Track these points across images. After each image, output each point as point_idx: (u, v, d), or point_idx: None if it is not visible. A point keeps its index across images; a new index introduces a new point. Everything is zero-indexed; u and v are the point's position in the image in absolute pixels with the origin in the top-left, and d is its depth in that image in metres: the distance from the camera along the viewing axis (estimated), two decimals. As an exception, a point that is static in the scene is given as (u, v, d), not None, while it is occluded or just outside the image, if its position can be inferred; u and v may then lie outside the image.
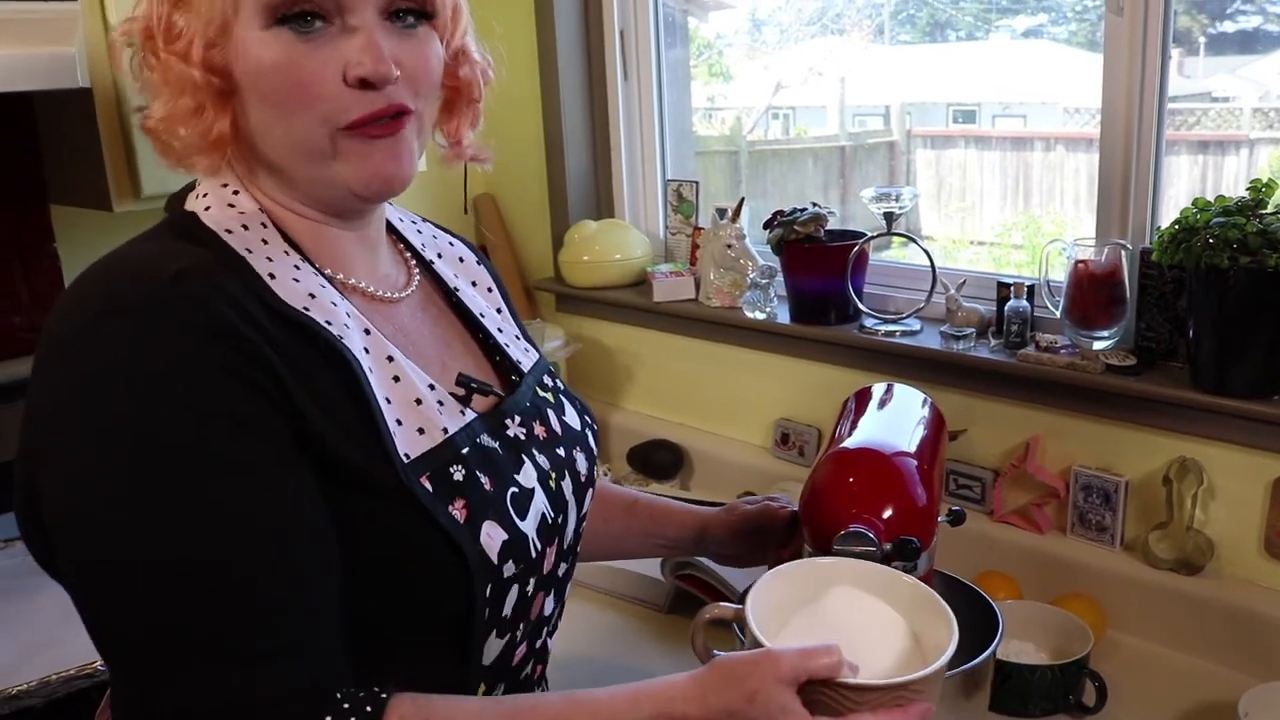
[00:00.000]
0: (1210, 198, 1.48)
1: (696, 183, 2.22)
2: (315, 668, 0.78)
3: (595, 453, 1.08)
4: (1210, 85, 2.51)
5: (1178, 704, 1.41)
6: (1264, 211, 1.44)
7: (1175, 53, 1.62)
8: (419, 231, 1.10)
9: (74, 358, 0.78)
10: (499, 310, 1.11)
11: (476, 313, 1.05)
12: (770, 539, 1.24)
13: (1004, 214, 4.15)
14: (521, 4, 2.29)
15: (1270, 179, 1.46)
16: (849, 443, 1.18)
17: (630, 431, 2.19)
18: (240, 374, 0.77)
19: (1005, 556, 1.65)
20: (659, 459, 2.10)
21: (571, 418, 1.07)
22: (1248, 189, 1.46)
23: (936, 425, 1.29)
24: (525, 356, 1.07)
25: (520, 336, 1.10)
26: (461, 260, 1.12)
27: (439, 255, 1.09)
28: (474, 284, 1.11)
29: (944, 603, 0.91)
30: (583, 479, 1.03)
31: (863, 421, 1.26)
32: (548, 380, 1.09)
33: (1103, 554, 1.61)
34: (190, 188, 0.93)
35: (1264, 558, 1.51)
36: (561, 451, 1.01)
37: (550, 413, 1.04)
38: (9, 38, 1.54)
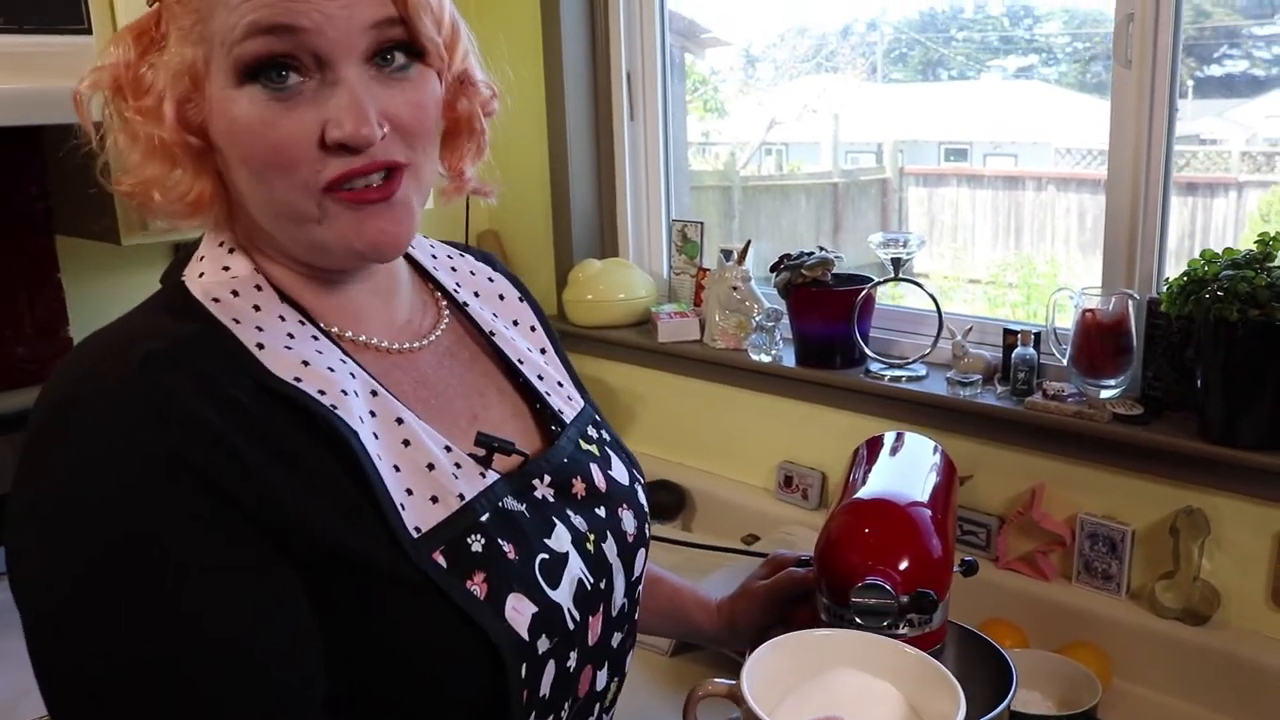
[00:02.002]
0: (1200, 239, 1.49)
1: (701, 223, 2.23)
2: None
3: (646, 509, 0.99)
4: (1198, 128, 2.53)
5: (1186, 756, 1.41)
6: (1272, 265, 1.45)
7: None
8: (454, 269, 1.01)
9: (35, 448, 0.74)
10: (544, 350, 1.03)
11: (514, 358, 0.96)
12: (791, 602, 1.19)
13: (996, 252, 4.16)
14: (529, 44, 2.30)
15: (1278, 233, 1.47)
16: (863, 493, 1.18)
17: (632, 471, 2.19)
18: (198, 468, 0.71)
19: (1010, 604, 1.65)
20: (662, 500, 2.09)
21: (619, 472, 0.98)
22: (1255, 242, 1.48)
23: (948, 474, 1.29)
24: (568, 405, 0.98)
25: (565, 382, 1.02)
26: (502, 298, 1.03)
27: (475, 294, 1.00)
28: (515, 323, 1.02)
29: (948, 673, 0.89)
30: (630, 538, 0.94)
31: (875, 470, 1.26)
32: (592, 431, 0.99)
33: (1108, 602, 1.61)
34: (195, 247, 0.87)
35: (1271, 609, 1.51)
36: (602, 510, 0.92)
37: (594, 467, 0.94)
38: (23, 71, 1.54)
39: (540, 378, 0.98)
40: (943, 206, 4.40)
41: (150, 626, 0.69)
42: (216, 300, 0.80)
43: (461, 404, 0.90)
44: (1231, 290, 1.42)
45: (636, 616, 0.99)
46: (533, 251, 2.44)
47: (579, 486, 0.93)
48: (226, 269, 0.82)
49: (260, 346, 0.78)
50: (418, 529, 0.78)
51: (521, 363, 0.97)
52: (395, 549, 0.76)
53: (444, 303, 0.97)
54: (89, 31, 1.58)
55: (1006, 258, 4.06)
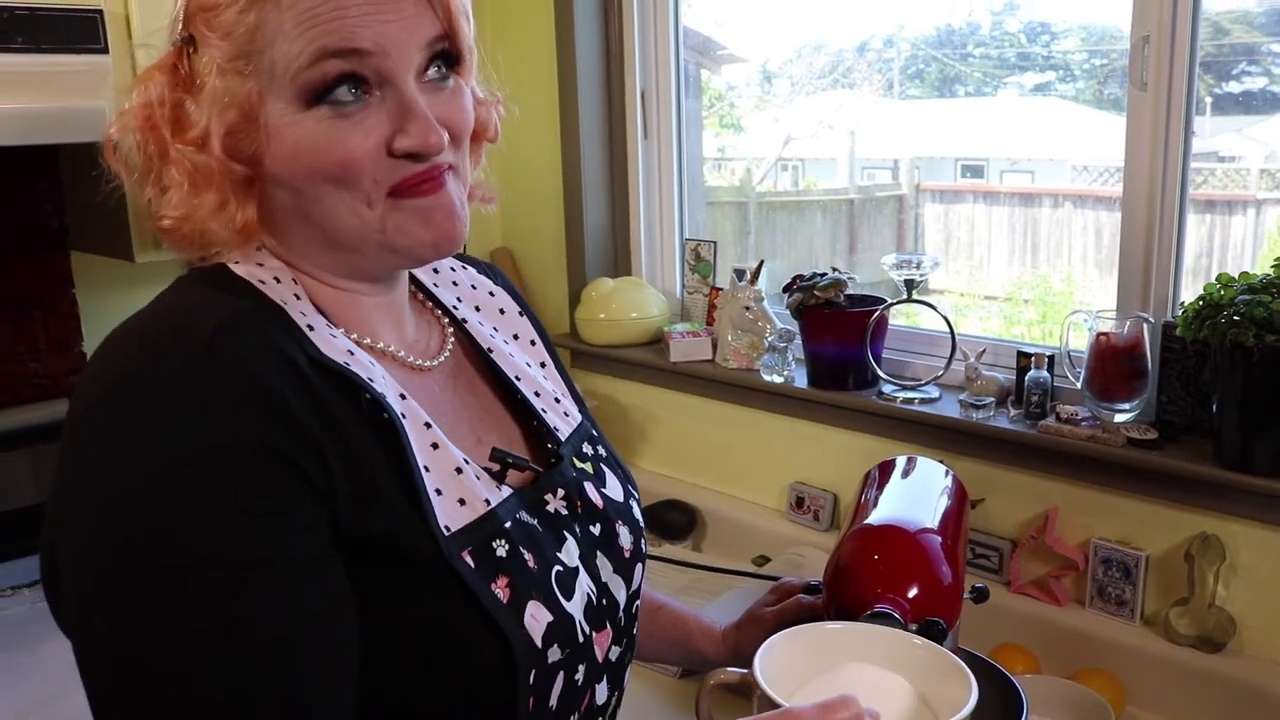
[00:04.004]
0: (1218, 256, 1.48)
1: (714, 243, 2.23)
2: None
3: (641, 525, 1.01)
4: (1217, 145, 2.52)
5: (1200, 786, 1.39)
6: (1288, 289, 1.44)
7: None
8: (455, 284, 1.03)
9: (90, 433, 0.73)
10: (543, 364, 1.05)
11: (512, 375, 0.98)
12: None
13: (1012, 269, 4.15)
14: (544, 62, 2.31)
15: (1296, 258, 1.46)
16: (873, 519, 1.17)
17: (644, 491, 2.15)
18: (281, 453, 0.72)
19: (1022, 629, 1.64)
20: (672, 519, 2.08)
21: (613, 489, 1.00)
22: (1272, 266, 1.46)
23: (959, 498, 1.28)
24: (564, 422, 1.00)
25: (563, 398, 1.03)
26: (502, 312, 1.05)
27: (476, 308, 1.02)
28: (515, 337, 1.04)
29: (959, 660, 0.89)
30: (626, 554, 0.96)
31: (885, 495, 1.26)
32: (587, 448, 1.02)
33: (1122, 628, 1.60)
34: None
35: (1287, 637, 1.49)
36: (597, 528, 0.95)
37: (588, 485, 0.97)
38: (40, 90, 1.55)
39: (537, 394, 1.00)
40: (959, 223, 4.39)
41: (208, 615, 0.70)
42: (263, 283, 0.82)
43: (466, 426, 0.92)
44: (1248, 315, 1.41)
45: (635, 631, 1.00)
46: (546, 269, 2.44)
47: (576, 504, 0.95)
48: (261, 265, 0.84)
49: (310, 329, 0.81)
50: (447, 528, 0.80)
51: (519, 379, 0.99)
52: (431, 543, 0.78)
53: (445, 320, 0.99)
54: (105, 51, 1.59)
55: (1023, 275, 4.05)
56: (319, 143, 0.78)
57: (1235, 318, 1.42)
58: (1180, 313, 1.52)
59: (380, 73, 0.78)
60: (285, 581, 0.72)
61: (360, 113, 0.79)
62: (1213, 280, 1.49)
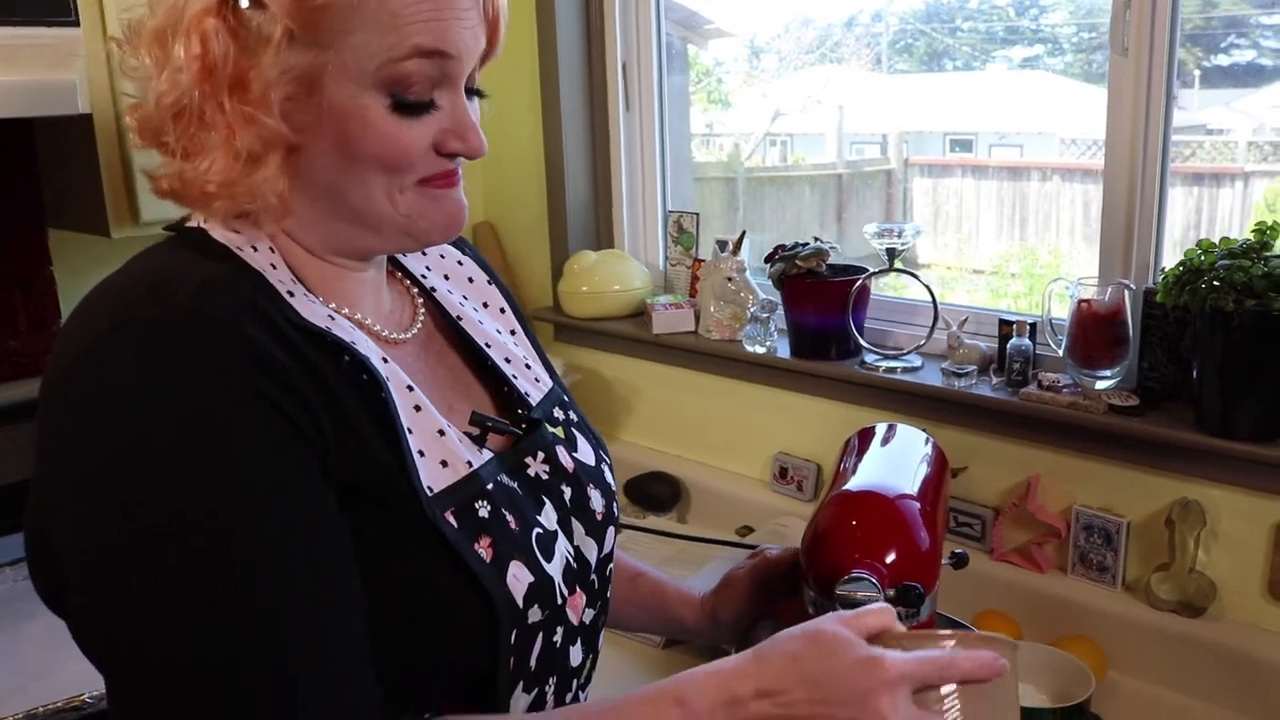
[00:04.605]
0: (1205, 229, 1.47)
1: (697, 214, 2.22)
2: (362, 713, 0.75)
3: (613, 488, 1.03)
4: (1205, 118, 2.51)
5: (1180, 750, 1.40)
6: (1269, 254, 1.44)
7: (1171, 84, 1.63)
8: (424, 254, 1.05)
9: (87, 387, 0.73)
10: (513, 332, 1.06)
11: (481, 342, 1.00)
12: (775, 592, 1.20)
13: (1000, 243, 4.15)
14: (524, 35, 2.29)
15: (1275, 221, 1.46)
16: (851, 485, 1.17)
17: (628, 464, 2.18)
18: (272, 400, 0.73)
19: (1004, 596, 1.64)
20: (656, 491, 2.08)
21: (585, 453, 1.02)
22: (1252, 231, 1.46)
23: (939, 466, 1.28)
24: (535, 388, 1.01)
25: (533, 363, 1.05)
26: (471, 280, 1.07)
27: (445, 277, 1.04)
28: (485, 305, 1.06)
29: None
30: (598, 516, 0.98)
31: (865, 462, 1.26)
32: (558, 413, 1.03)
33: (1104, 594, 1.60)
34: (186, 218, 0.89)
35: (1267, 601, 1.50)
36: (569, 491, 0.96)
37: (560, 449, 0.98)
38: (10, 63, 1.53)
39: (507, 360, 1.01)
40: (947, 197, 4.39)
41: (236, 546, 0.71)
42: (240, 249, 0.82)
43: (438, 395, 0.93)
44: (1228, 280, 1.41)
45: (608, 595, 1.01)
46: (528, 243, 2.43)
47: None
48: (238, 232, 0.84)
49: (290, 295, 0.81)
50: (430, 488, 0.81)
51: (489, 346, 1.00)
52: (415, 502, 0.80)
53: (415, 291, 1.00)
54: (76, 24, 1.57)
55: (1011, 248, 4.05)
56: (385, 130, 0.80)
57: (1215, 283, 1.42)
58: (1161, 279, 1.51)
59: (450, 76, 0.82)
60: (303, 512, 0.74)
61: (423, 111, 0.82)
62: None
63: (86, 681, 1.45)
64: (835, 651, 0.79)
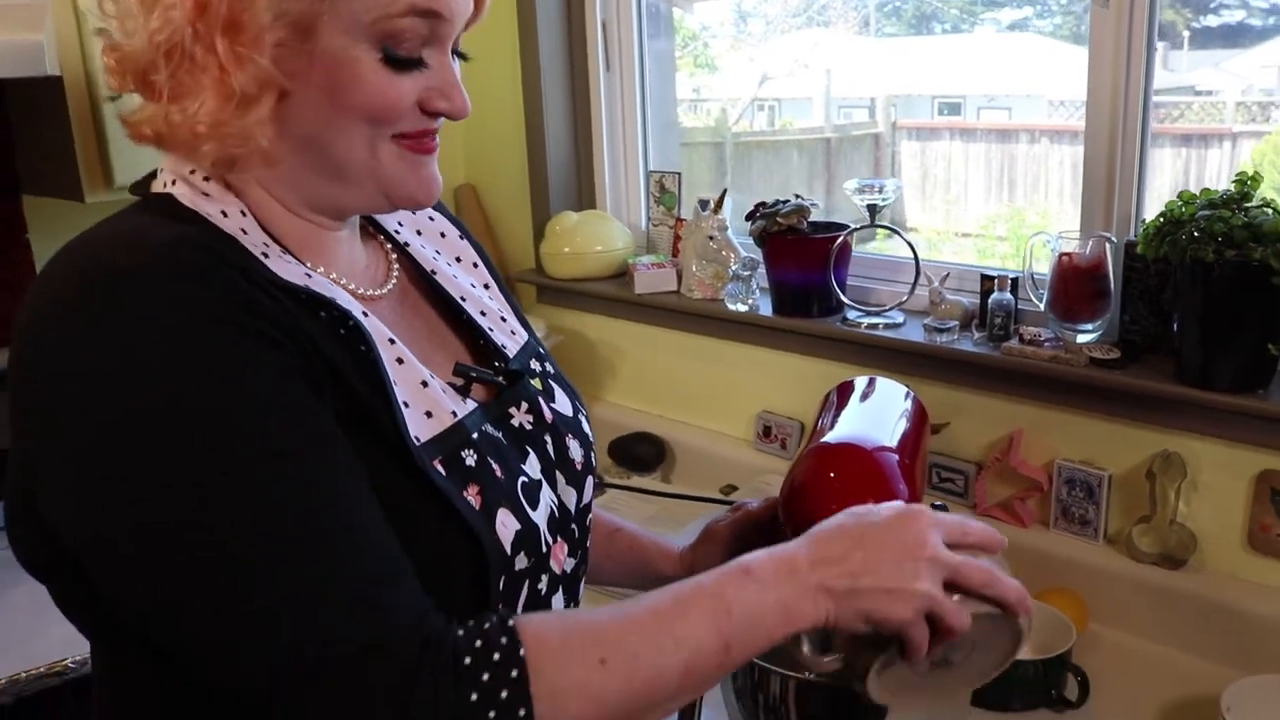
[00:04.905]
0: (1194, 191, 1.47)
1: (679, 174, 2.20)
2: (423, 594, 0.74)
3: (591, 439, 1.03)
4: (1194, 79, 2.50)
5: (1160, 698, 1.40)
6: (1249, 204, 1.43)
7: (1159, 46, 1.61)
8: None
9: (72, 331, 0.72)
10: (486, 286, 1.06)
11: (456, 296, 1.00)
12: (754, 545, 1.20)
13: (989, 206, 4.14)
14: (504, -4, 2.27)
15: (1255, 172, 1.45)
16: (830, 437, 1.17)
17: (612, 424, 2.17)
18: (259, 332, 0.73)
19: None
20: (640, 452, 2.08)
21: (562, 404, 1.02)
22: (1233, 181, 1.45)
23: (919, 419, 1.28)
24: (511, 340, 1.01)
25: (508, 317, 1.05)
26: (443, 235, 1.07)
27: (418, 232, 1.04)
28: (458, 259, 1.06)
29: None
30: (578, 466, 0.99)
31: (844, 415, 1.25)
32: (535, 365, 1.03)
33: (1086, 548, 1.61)
34: (152, 176, 0.88)
35: (1247, 552, 1.50)
36: (550, 440, 0.97)
37: (539, 400, 0.99)
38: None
39: (483, 313, 1.01)
40: (936, 160, 4.37)
41: (254, 468, 0.70)
42: (210, 215, 0.81)
43: (417, 349, 0.92)
44: (1208, 230, 1.40)
45: (588, 545, 1.02)
46: (509, 204, 2.41)
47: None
48: (207, 195, 0.83)
49: (266, 255, 0.80)
50: (418, 438, 0.81)
51: (464, 300, 1.00)
52: (403, 449, 0.79)
53: (389, 247, 0.99)
54: (44, -18, 1.55)
55: (999, 211, 4.03)
56: (375, 82, 0.80)
57: (1195, 234, 1.41)
58: (1141, 230, 1.51)
59: (439, 36, 0.83)
60: (315, 421, 0.74)
61: (412, 67, 0.82)
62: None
63: (69, 647, 1.44)
64: (873, 512, 0.85)
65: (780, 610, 0.79)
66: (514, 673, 0.71)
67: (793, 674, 1.06)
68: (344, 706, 0.68)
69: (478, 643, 0.72)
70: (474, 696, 0.70)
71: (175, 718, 0.84)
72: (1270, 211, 1.40)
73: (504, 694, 0.70)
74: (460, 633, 0.73)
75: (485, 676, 0.70)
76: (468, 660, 0.71)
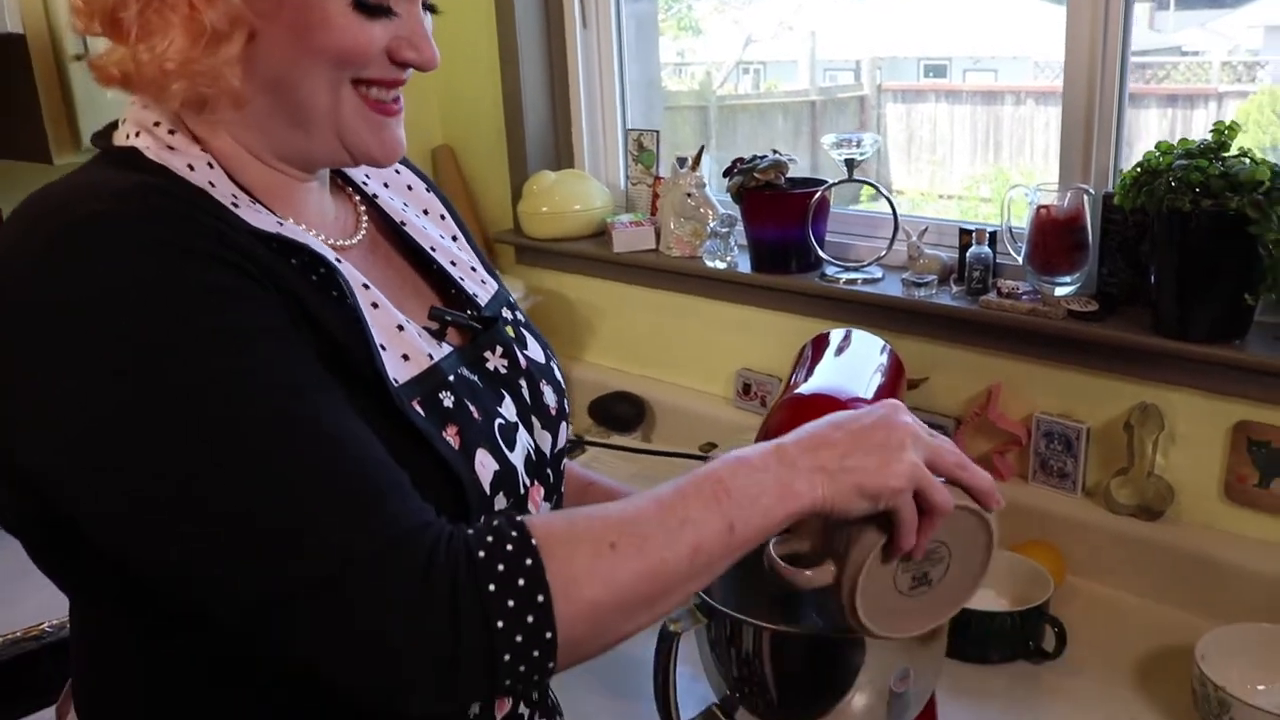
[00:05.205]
0: (1177, 151, 1.46)
1: (657, 132, 2.19)
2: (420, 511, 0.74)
3: (563, 385, 1.04)
4: (1180, 39, 2.49)
5: (1136, 648, 1.40)
6: (1226, 154, 1.42)
7: (1145, 7, 1.60)
8: None
9: (34, 288, 0.71)
10: (454, 238, 1.06)
11: (426, 246, 0.99)
12: None
13: (974, 167, 4.14)
14: (478, -50, 2.24)
15: (1233, 121, 1.44)
16: (804, 389, 1.16)
17: (591, 384, 2.17)
18: (237, 266, 0.73)
19: (967, 505, 1.64)
20: (620, 411, 2.07)
21: (535, 351, 1.03)
22: (1211, 131, 1.44)
23: (895, 373, 1.27)
24: (482, 289, 1.02)
25: (478, 267, 1.05)
26: (410, 189, 1.07)
27: (385, 184, 1.04)
28: (425, 212, 1.06)
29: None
30: (552, 411, 1.00)
31: (819, 368, 1.24)
32: (506, 313, 1.04)
33: (1064, 500, 1.61)
34: (114, 126, 0.87)
35: (1223, 502, 1.50)
36: (525, 385, 0.97)
37: (513, 346, 0.99)
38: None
39: (453, 263, 1.01)
40: (921, 122, 4.36)
41: (247, 397, 0.70)
42: (176, 169, 0.80)
43: (390, 296, 0.91)
44: (1184, 180, 1.39)
45: (563, 489, 1.03)
46: (487, 165, 2.39)
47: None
48: (172, 148, 0.82)
49: (235, 205, 0.80)
50: (396, 380, 0.81)
51: (434, 250, 1.00)
52: (383, 392, 0.79)
53: (357, 198, 0.99)
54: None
55: (983, 172, 4.03)
56: (344, 25, 0.80)
57: (1172, 183, 1.40)
58: (1118, 181, 1.50)
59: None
60: (297, 347, 0.75)
61: (382, 14, 0.82)
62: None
63: (46, 611, 1.44)
64: (853, 413, 0.86)
65: (777, 488, 0.79)
66: (528, 561, 0.71)
67: (767, 626, 1.06)
68: (366, 610, 0.69)
69: (489, 538, 0.72)
70: (491, 587, 0.70)
71: (155, 673, 0.84)
72: (1247, 161, 1.39)
73: (521, 582, 0.71)
74: (470, 531, 0.73)
75: (500, 567, 0.71)
76: (481, 554, 0.71)
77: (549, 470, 0.98)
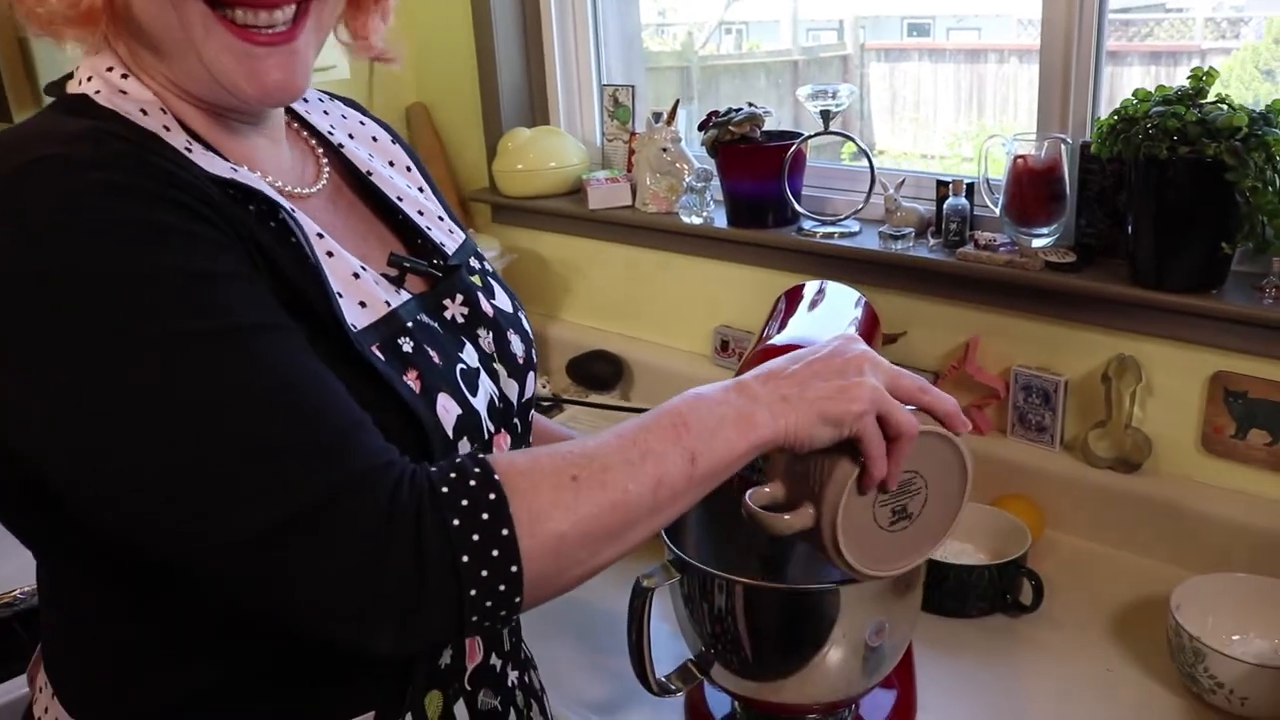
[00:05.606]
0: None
1: (633, 87, 2.16)
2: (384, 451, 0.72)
3: (531, 335, 1.03)
4: (1164, -5, 2.46)
5: (1113, 600, 1.40)
6: (1204, 101, 1.41)
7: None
8: (325, 112, 1.01)
9: None
10: (421, 190, 1.04)
11: (393, 196, 0.97)
12: None
13: (958, 126, 4.11)
14: (449, -98, 2.20)
15: (1210, 68, 1.42)
16: (776, 339, 1.15)
17: (569, 343, 2.15)
18: (192, 209, 0.71)
19: (945, 459, 1.63)
20: (598, 370, 2.06)
21: (502, 300, 1.01)
22: (1188, 78, 1.42)
23: (870, 324, 1.26)
24: (449, 239, 1.00)
25: (445, 217, 1.03)
26: (375, 140, 1.04)
27: (350, 136, 1.01)
28: (391, 164, 1.04)
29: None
30: (520, 360, 0.98)
31: (792, 320, 1.23)
32: (474, 263, 1.02)
33: (1042, 454, 1.60)
34: (69, 76, 0.83)
35: (1201, 454, 1.50)
36: (490, 334, 0.96)
37: (480, 296, 0.98)
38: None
39: (420, 213, 0.99)
40: (904, 82, 4.33)
41: (207, 337, 0.68)
42: (129, 114, 0.78)
43: (351, 245, 0.90)
44: (1161, 127, 1.38)
45: (530, 439, 1.02)
46: (461, 122, 2.36)
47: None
48: (124, 93, 0.79)
49: (189, 150, 0.77)
50: (354, 325, 0.80)
51: (401, 200, 0.98)
52: (342, 337, 0.78)
53: (321, 151, 0.97)
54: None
55: (966, 130, 4.00)
56: None
57: (1149, 130, 1.39)
58: (1095, 129, 1.48)
59: None
60: (255, 285, 0.73)
61: None
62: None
63: (22, 576, 1.43)
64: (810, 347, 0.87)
65: (737, 419, 0.79)
66: (491, 495, 0.70)
67: (740, 579, 1.05)
68: (331, 547, 0.67)
69: (452, 474, 0.71)
70: (456, 521, 0.69)
71: (122, 635, 0.83)
72: (1225, 107, 1.38)
73: (485, 516, 0.70)
74: (433, 469, 0.72)
75: (464, 502, 0.70)
76: (445, 489, 0.70)
77: (516, 420, 0.97)
